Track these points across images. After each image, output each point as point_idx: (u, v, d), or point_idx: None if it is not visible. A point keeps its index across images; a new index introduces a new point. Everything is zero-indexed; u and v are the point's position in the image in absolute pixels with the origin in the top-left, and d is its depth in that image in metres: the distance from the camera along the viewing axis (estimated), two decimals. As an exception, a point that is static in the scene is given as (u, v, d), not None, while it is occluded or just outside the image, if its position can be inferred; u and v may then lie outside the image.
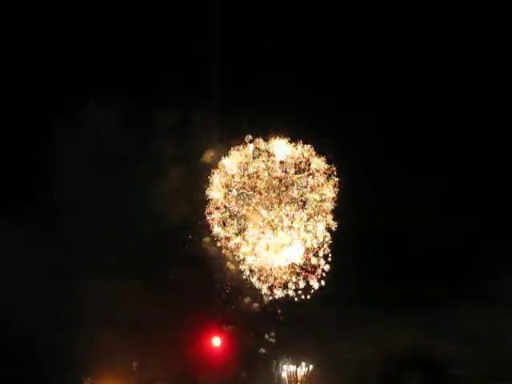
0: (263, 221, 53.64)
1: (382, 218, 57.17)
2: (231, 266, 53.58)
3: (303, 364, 55.60)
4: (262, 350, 54.26)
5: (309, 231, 54.23)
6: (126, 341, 55.45)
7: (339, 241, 55.52)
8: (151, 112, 55.23)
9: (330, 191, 54.79)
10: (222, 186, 54.11)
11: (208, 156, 54.10)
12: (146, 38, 57.20)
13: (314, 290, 54.19)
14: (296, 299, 53.81)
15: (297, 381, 55.99)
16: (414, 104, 58.75)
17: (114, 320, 55.18)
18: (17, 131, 54.70)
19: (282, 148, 54.79)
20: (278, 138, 54.54)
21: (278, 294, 53.54)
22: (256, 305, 53.48)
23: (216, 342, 57.64)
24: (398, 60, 59.10)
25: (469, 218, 57.55)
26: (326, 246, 54.60)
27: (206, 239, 53.65)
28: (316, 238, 54.20)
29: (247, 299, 53.64)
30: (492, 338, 56.07)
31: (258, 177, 54.12)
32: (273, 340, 54.18)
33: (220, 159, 54.58)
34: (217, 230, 53.98)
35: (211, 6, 56.77)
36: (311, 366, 55.75)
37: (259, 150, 54.31)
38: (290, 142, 54.82)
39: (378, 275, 57.19)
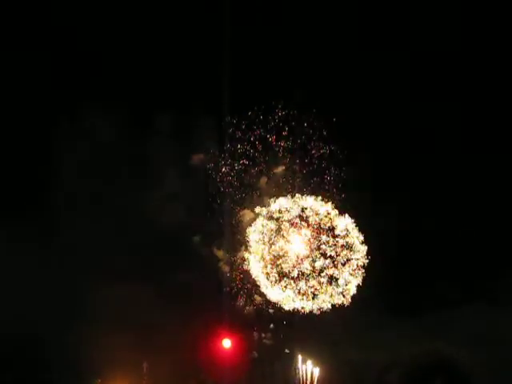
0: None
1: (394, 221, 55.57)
2: (225, 267, 53.25)
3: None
4: (255, 354, 53.51)
5: None
6: (136, 342, 56.06)
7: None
8: (151, 114, 55.79)
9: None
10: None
11: (197, 158, 54.11)
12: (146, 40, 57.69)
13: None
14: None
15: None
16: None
17: (124, 321, 55.86)
18: (16, 135, 56.11)
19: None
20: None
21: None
22: (250, 308, 52.78)
23: (226, 343, 57.31)
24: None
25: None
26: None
27: (196, 239, 53.60)
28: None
29: (242, 301, 53.02)
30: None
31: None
32: (268, 342, 53.28)
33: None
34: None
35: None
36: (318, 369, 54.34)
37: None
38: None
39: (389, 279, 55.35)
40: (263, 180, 53.90)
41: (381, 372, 55.53)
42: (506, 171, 56.02)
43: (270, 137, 53.86)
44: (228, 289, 53.40)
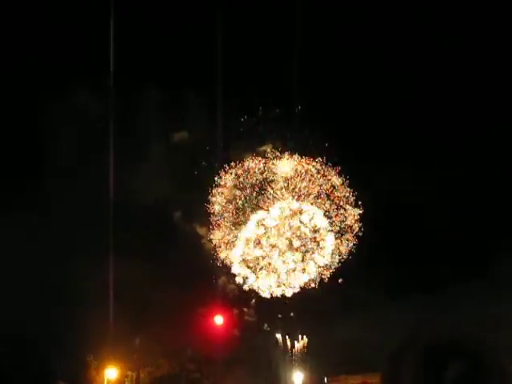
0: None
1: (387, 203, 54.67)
2: (207, 245, 53.03)
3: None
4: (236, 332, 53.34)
5: None
6: (128, 318, 56.39)
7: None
8: (137, 88, 55.49)
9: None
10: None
11: (181, 136, 53.71)
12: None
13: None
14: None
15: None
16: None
17: (116, 298, 56.17)
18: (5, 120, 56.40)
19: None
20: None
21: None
22: (233, 286, 52.55)
23: (218, 320, 57.26)
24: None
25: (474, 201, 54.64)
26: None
27: (177, 215, 53.40)
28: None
29: (223, 279, 52.83)
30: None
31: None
32: (251, 319, 52.98)
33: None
34: None
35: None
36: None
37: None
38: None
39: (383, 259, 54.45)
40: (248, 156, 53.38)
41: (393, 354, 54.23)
42: (501, 154, 54.72)
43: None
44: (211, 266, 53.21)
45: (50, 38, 56.58)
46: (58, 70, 55.01)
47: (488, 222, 54.99)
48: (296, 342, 52.65)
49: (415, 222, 56.26)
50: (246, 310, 53.58)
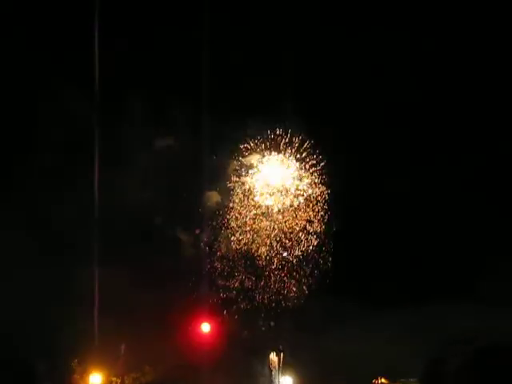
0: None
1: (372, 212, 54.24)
2: (188, 250, 52.74)
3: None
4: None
5: None
6: (114, 324, 56.33)
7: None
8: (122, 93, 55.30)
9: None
10: None
11: (167, 143, 53.57)
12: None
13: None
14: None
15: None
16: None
17: (102, 303, 56.13)
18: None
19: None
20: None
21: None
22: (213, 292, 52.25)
23: (205, 327, 56.93)
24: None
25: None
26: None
27: (157, 219, 53.12)
28: None
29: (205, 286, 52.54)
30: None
31: None
32: (231, 326, 52.60)
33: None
34: None
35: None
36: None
37: None
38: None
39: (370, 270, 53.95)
40: (233, 165, 53.17)
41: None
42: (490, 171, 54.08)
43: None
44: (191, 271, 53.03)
45: (40, 40, 56.72)
46: (45, 73, 55.16)
47: (475, 238, 54.06)
48: (276, 352, 52.29)
49: (404, 234, 55.38)
50: (226, 316, 53.31)
